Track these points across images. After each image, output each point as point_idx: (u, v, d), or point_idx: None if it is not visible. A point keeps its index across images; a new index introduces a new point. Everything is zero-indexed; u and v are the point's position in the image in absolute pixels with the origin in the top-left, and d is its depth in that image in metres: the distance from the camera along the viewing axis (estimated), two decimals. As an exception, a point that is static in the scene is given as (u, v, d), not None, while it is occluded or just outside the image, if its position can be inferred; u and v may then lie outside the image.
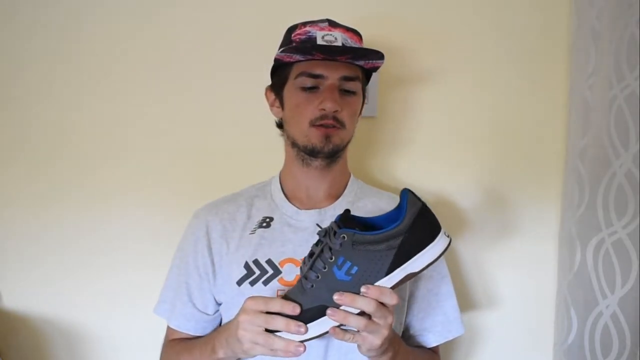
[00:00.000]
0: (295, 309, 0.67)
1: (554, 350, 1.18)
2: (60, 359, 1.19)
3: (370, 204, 0.94)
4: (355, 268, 0.66)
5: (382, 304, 0.67)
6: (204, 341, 0.84)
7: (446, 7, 1.16)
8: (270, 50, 0.94)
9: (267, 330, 0.68)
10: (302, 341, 0.67)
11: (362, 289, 0.66)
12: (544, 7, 1.17)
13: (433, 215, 0.70)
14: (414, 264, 0.68)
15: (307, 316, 0.67)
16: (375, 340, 0.68)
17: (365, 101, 0.97)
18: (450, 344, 1.01)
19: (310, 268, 0.68)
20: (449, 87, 1.18)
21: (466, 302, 1.20)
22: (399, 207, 0.72)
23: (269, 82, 0.96)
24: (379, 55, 0.84)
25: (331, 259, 0.67)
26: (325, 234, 0.69)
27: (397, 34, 1.16)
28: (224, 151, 1.17)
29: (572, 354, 1.09)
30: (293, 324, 0.67)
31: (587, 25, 1.07)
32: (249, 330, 0.69)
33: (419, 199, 0.69)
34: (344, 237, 0.67)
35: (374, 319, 0.67)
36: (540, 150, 1.20)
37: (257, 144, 1.15)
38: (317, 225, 0.78)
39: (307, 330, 0.66)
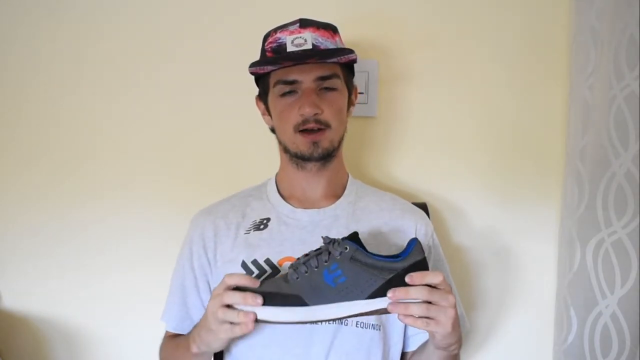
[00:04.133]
0: (255, 282, 0.71)
1: (553, 350, 1.18)
2: (59, 359, 1.20)
3: (372, 203, 0.94)
4: (344, 279, 0.70)
5: (434, 287, 0.70)
6: (185, 338, 0.87)
7: (446, 7, 1.16)
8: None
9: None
10: (265, 321, 0.70)
11: (407, 279, 0.69)
12: (544, 7, 1.17)
13: (427, 270, 0.73)
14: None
15: (279, 300, 0.70)
16: (447, 321, 0.69)
17: (357, 94, 0.96)
18: (450, 344, 1.01)
19: (304, 263, 0.72)
20: (448, 87, 1.18)
21: (466, 302, 1.20)
22: (403, 253, 0.75)
23: None
24: (345, 52, 0.84)
25: (326, 262, 0.71)
26: (330, 241, 0.73)
27: (397, 34, 1.16)
28: (223, 151, 1.18)
29: (572, 353, 1.09)
30: (250, 296, 0.69)
31: (587, 25, 1.07)
32: (211, 307, 0.72)
33: (423, 251, 0.72)
34: (346, 247, 0.71)
35: (434, 302, 0.69)
36: (540, 150, 1.20)
37: (256, 145, 1.15)
38: (322, 237, 0.79)
39: (263, 302, 0.69)
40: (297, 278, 0.71)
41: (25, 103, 1.16)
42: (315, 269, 0.71)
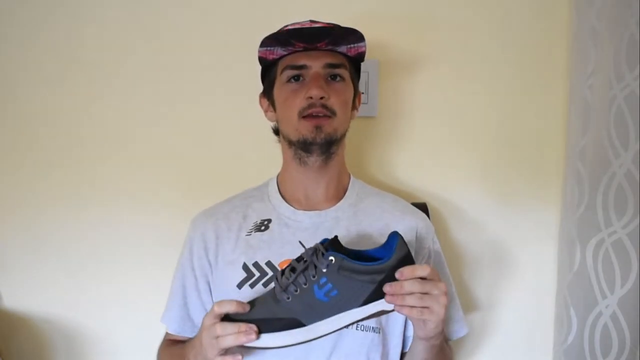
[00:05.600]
0: (245, 307, 0.70)
1: (553, 350, 1.18)
2: (59, 359, 1.20)
3: (373, 205, 0.94)
4: (335, 292, 0.70)
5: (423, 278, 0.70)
6: (179, 354, 0.86)
7: (446, 7, 1.16)
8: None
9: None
10: (263, 347, 0.70)
11: (397, 275, 0.70)
12: (544, 7, 1.17)
13: (414, 263, 0.73)
14: (388, 303, 0.71)
15: (276, 325, 0.70)
16: (440, 308, 0.71)
17: (360, 99, 0.96)
18: (450, 343, 1.01)
19: (293, 282, 0.70)
20: (448, 87, 1.18)
21: (466, 302, 1.20)
22: (385, 247, 0.75)
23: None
24: (357, 36, 0.84)
25: (314, 277, 0.70)
26: (313, 252, 0.71)
27: (397, 35, 1.16)
28: (228, 153, 1.18)
29: (572, 353, 1.09)
30: (244, 327, 0.69)
31: (587, 25, 1.07)
32: (206, 339, 0.72)
33: (406, 244, 0.72)
34: (332, 259, 0.69)
35: (427, 292, 0.70)
36: (540, 150, 1.20)
37: (257, 146, 1.15)
38: (300, 243, 0.79)
39: (258, 334, 0.68)
40: (289, 298, 0.70)
41: (28, 106, 1.16)
42: (305, 286, 0.70)
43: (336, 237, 0.75)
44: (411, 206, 0.98)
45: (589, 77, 1.07)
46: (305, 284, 0.70)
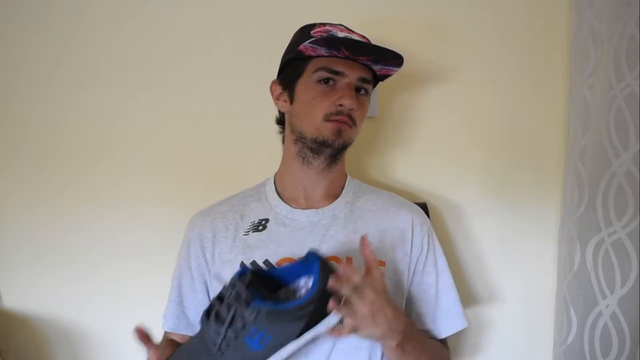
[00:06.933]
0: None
1: (553, 350, 1.18)
2: (59, 359, 1.20)
3: (369, 202, 0.95)
4: (269, 337, 0.67)
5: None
6: None
7: (446, 8, 1.16)
8: (273, 51, 0.94)
9: None
10: None
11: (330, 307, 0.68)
12: (544, 8, 1.17)
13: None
14: (322, 326, 0.70)
15: None
16: (363, 309, 0.70)
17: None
18: (450, 344, 1.01)
19: (223, 339, 0.68)
20: (449, 87, 1.18)
21: (466, 302, 1.20)
22: (304, 265, 0.73)
23: (269, 83, 0.96)
24: (397, 62, 0.87)
25: (243, 328, 0.67)
26: (236, 297, 0.68)
27: (397, 35, 1.16)
28: (223, 152, 1.17)
29: (572, 353, 1.09)
30: None
31: (587, 25, 1.07)
32: None
33: (326, 264, 0.70)
34: (259, 309, 0.66)
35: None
36: (540, 150, 1.20)
37: (256, 146, 1.15)
38: (243, 262, 0.82)
39: None
40: (222, 354, 0.68)
41: (30, 107, 1.16)
42: (236, 340, 0.67)
43: (252, 270, 0.73)
44: (407, 201, 0.99)
45: (589, 77, 1.07)
46: (236, 338, 0.67)
